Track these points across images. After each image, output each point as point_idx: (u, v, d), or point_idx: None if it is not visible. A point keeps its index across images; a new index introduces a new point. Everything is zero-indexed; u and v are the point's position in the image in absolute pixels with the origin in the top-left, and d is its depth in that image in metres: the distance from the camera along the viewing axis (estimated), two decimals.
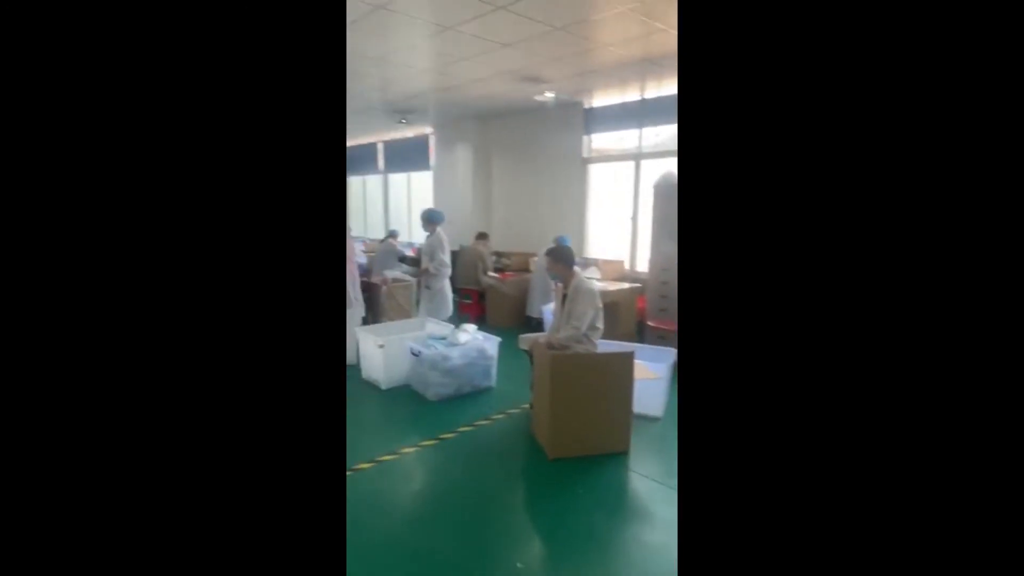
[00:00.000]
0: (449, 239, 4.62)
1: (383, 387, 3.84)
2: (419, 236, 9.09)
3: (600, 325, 2.98)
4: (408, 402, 3.62)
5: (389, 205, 9.64)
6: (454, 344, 3.74)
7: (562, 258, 3.04)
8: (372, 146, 9.49)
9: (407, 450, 2.93)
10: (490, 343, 3.84)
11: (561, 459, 2.75)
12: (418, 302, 4.91)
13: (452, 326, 4.12)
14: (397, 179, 9.35)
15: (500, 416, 3.38)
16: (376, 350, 3.79)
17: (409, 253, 7.84)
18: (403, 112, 6.84)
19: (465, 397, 3.69)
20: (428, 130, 8.14)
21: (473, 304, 6.08)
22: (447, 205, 7.64)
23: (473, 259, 6.01)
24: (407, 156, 8.86)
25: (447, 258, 4.51)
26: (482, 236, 6.29)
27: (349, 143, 9.96)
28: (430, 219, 4.46)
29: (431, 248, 4.48)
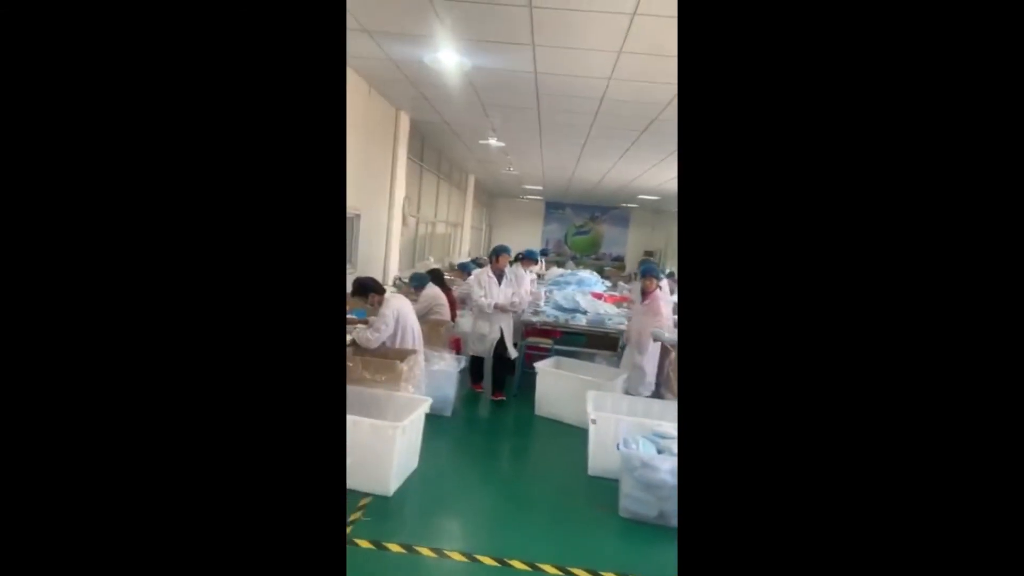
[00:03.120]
0: None
1: (589, 472, 3.11)
2: None
3: None
4: (600, 502, 2.78)
5: None
6: (669, 452, 2.63)
7: None
8: None
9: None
10: None
11: None
12: (667, 383, 3.80)
13: None
14: None
15: None
16: (590, 423, 3.11)
17: None
18: None
19: (671, 534, 2.53)
20: None
21: None
22: None
23: None
24: None
25: None
26: None
27: None
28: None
29: None
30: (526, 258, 5.06)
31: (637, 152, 6.32)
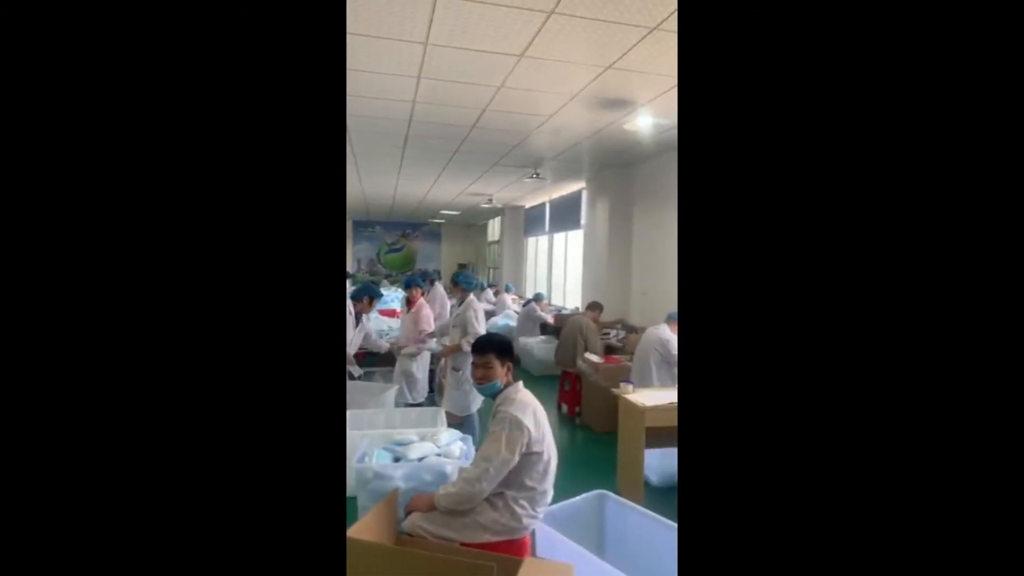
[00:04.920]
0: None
1: (349, 494, 3.02)
2: (572, 300, 8.11)
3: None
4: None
5: (552, 267, 8.96)
6: (405, 459, 2.69)
7: None
8: (542, 206, 9.08)
9: None
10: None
11: None
12: (439, 388, 3.99)
13: (444, 431, 3.07)
14: (560, 239, 8.66)
15: None
16: None
17: (550, 320, 6.97)
18: (535, 163, 6.18)
19: None
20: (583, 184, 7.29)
21: (571, 392, 4.78)
22: (595, 268, 6.58)
23: (573, 334, 4.76)
24: (566, 214, 8.12)
25: (483, 332, 3.53)
26: (593, 306, 4.99)
27: (528, 204, 9.80)
28: (456, 282, 3.58)
29: (464, 320, 3.57)
30: None
31: (408, 168, 6.46)
